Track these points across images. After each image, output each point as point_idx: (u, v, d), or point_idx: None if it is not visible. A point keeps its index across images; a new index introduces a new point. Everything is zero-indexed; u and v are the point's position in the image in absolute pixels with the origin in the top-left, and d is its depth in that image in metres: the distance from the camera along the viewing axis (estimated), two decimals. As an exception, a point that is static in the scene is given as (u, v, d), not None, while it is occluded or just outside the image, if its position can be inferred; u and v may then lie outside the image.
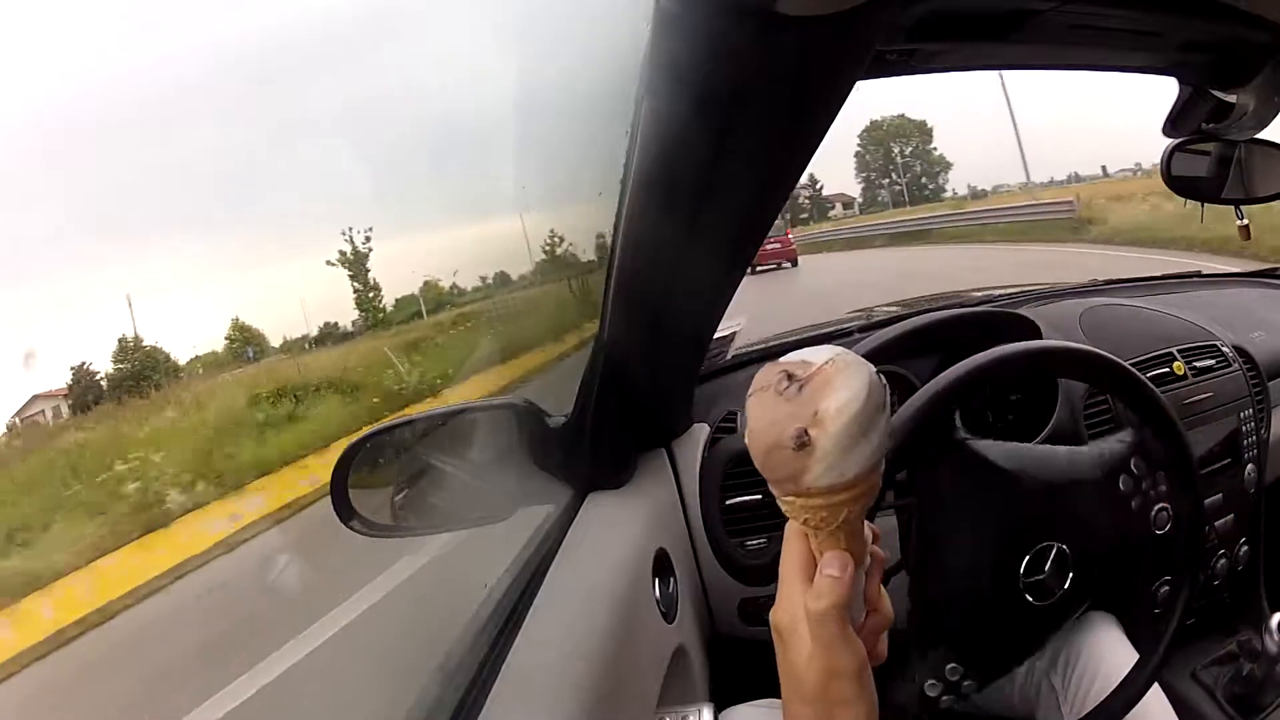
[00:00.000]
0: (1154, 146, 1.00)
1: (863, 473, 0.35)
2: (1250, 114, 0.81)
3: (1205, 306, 1.19)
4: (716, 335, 0.89)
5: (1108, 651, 0.81)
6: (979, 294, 1.37)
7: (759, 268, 15.54)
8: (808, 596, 0.38)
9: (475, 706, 0.54)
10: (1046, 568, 0.71)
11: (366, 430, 0.82)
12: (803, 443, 0.34)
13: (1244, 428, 1.03)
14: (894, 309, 1.30)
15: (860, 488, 0.36)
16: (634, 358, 0.79)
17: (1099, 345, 0.77)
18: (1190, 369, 1.03)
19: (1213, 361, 1.05)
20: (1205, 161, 1.01)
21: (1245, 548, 1.04)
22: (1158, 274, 1.45)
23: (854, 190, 31.12)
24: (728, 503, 0.93)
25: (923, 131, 29.30)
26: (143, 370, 6.87)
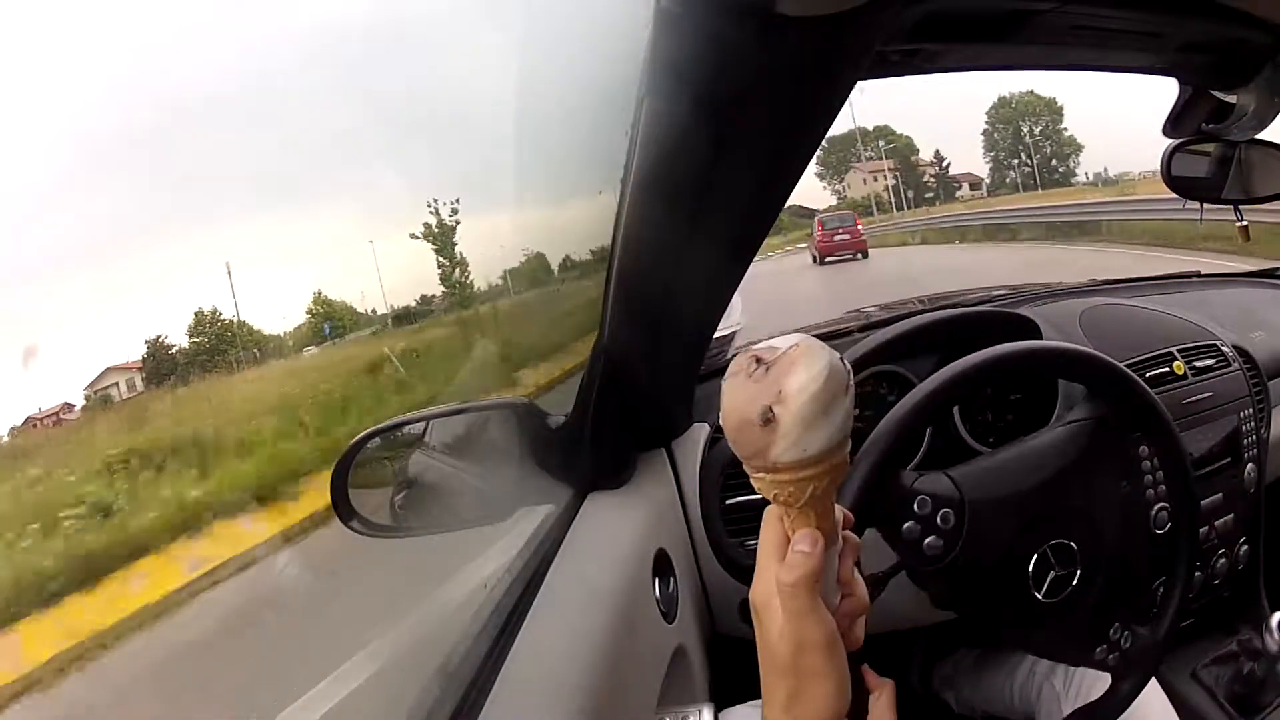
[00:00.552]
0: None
1: (826, 450, 0.38)
2: (1250, 114, 0.81)
3: (1205, 306, 1.19)
4: (716, 335, 0.89)
5: None
6: (979, 294, 1.37)
7: (827, 259, 14.34)
8: (780, 570, 0.41)
9: (475, 707, 0.54)
10: (1054, 566, 0.71)
11: (366, 430, 0.82)
12: (768, 419, 0.37)
13: (1244, 427, 1.03)
14: (893, 309, 1.30)
15: (825, 465, 0.38)
16: (634, 357, 0.79)
17: (1099, 345, 0.77)
18: (1190, 369, 1.03)
19: (1213, 361, 1.05)
20: (1205, 162, 1.01)
21: (1245, 547, 1.04)
22: (1158, 274, 1.45)
23: (981, 170, 29.31)
24: (728, 502, 0.94)
25: (1052, 110, 27.56)
26: (218, 345, 6.83)
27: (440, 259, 7.25)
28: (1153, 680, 0.75)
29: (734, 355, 0.41)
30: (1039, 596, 0.71)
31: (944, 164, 29.48)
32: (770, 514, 0.43)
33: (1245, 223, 1.12)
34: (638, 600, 0.70)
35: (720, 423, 0.40)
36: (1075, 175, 27.10)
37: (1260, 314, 1.23)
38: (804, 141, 0.51)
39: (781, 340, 0.39)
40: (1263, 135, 0.93)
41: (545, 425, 0.82)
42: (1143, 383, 0.74)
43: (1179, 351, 1.04)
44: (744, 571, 0.92)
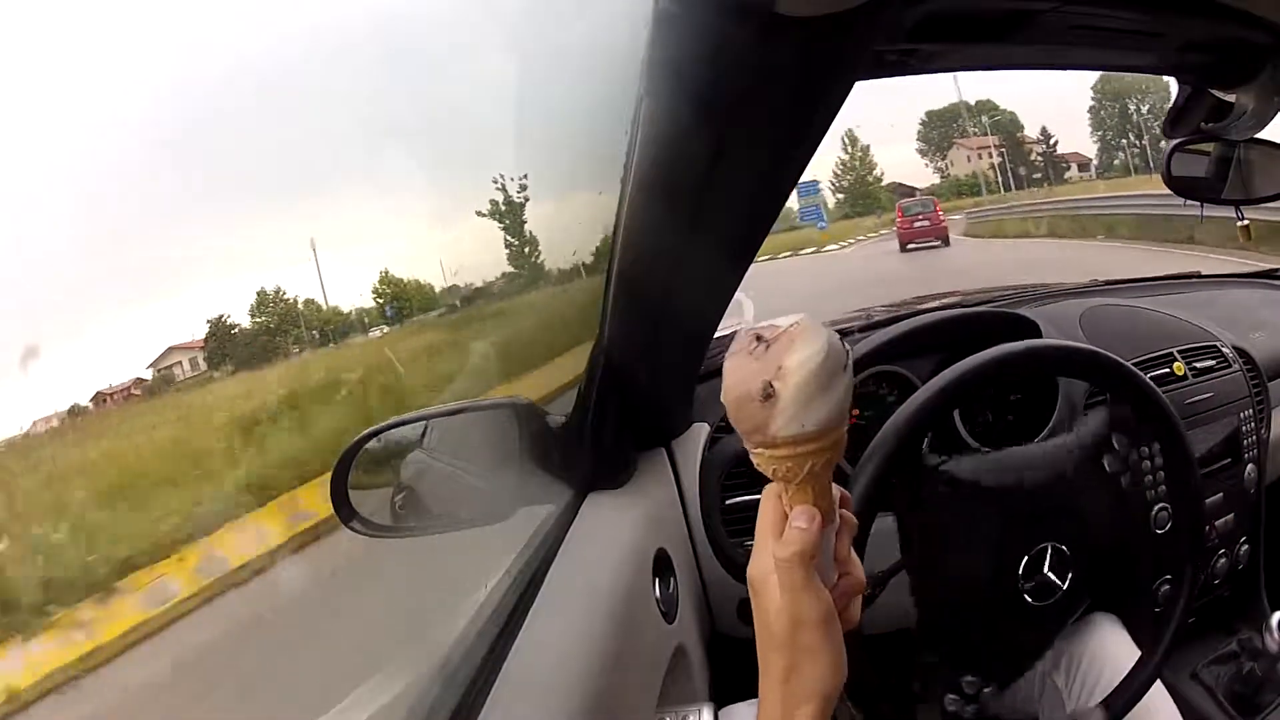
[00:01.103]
0: None
1: (824, 426, 0.39)
2: (1250, 114, 0.81)
3: (1205, 307, 1.19)
4: (717, 335, 0.89)
5: (1111, 651, 0.81)
6: (979, 294, 1.37)
7: (908, 246, 13.36)
8: (776, 546, 0.41)
9: (475, 707, 0.54)
10: (1045, 569, 0.71)
11: (366, 430, 0.82)
12: (767, 394, 0.38)
13: (1244, 428, 1.03)
14: (894, 309, 1.30)
15: (822, 441, 0.39)
16: (634, 357, 0.79)
17: (1099, 345, 0.77)
18: (1190, 369, 1.03)
19: (1213, 362, 1.05)
20: (1205, 162, 1.01)
21: (1245, 547, 1.04)
22: (1158, 274, 1.45)
23: (1088, 150, 27.05)
24: (728, 502, 0.94)
25: (1160, 86, 25.26)
26: (281, 325, 6.89)
27: (509, 237, 6.92)
28: (1157, 681, 0.75)
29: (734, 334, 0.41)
30: (1029, 599, 0.71)
31: (1052, 141, 27.07)
32: (769, 492, 0.43)
33: (1246, 222, 1.12)
34: (638, 600, 0.70)
35: (722, 398, 0.41)
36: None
37: (1260, 314, 1.23)
38: (803, 141, 0.51)
39: (782, 319, 0.40)
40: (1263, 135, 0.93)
41: (545, 425, 0.82)
42: (1149, 381, 0.74)
43: (1179, 352, 1.04)
44: (744, 571, 0.92)
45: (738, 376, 0.39)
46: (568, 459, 0.83)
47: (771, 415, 0.38)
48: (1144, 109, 25.80)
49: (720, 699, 0.72)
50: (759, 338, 0.40)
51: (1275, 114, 0.79)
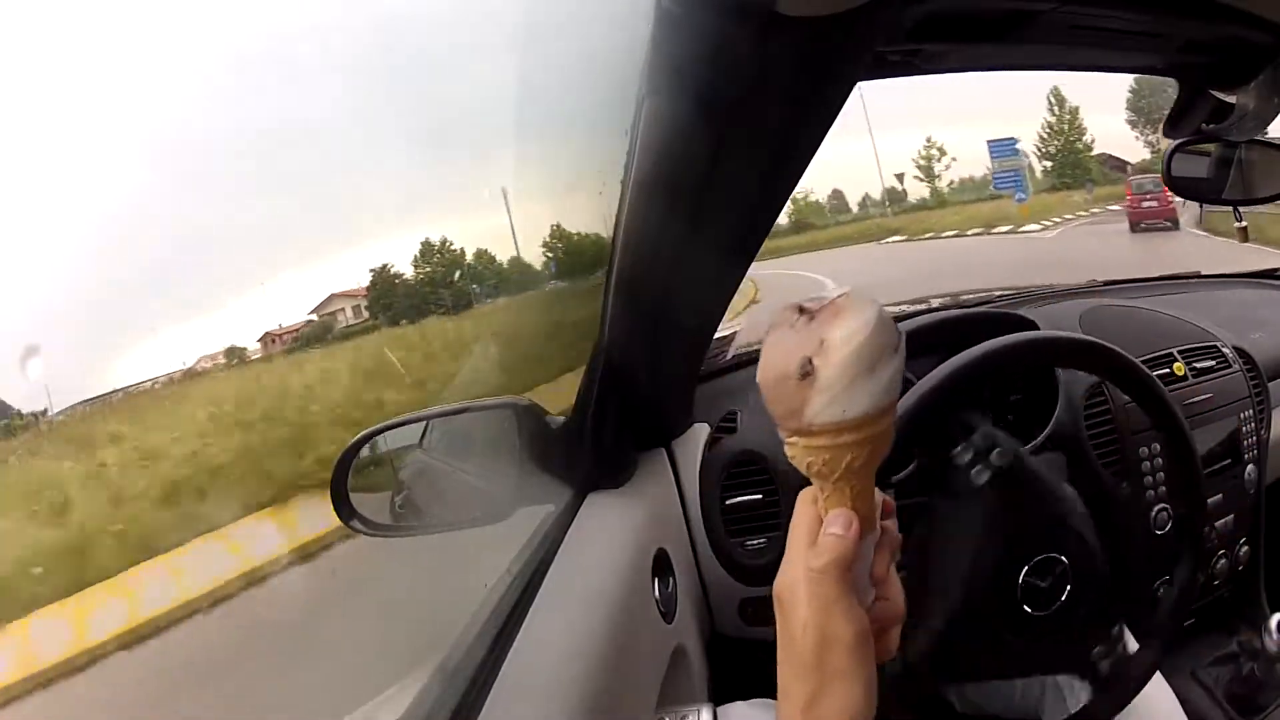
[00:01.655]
0: None
1: (869, 414, 0.34)
2: (1250, 114, 0.81)
3: (1205, 307, 1.19)
4: (717, 335, 0.89)
5: None
6: (980, 294, 1.37)
7: (1140, 226, 12.21)
8: (809, 555, 0.37)
9: (475, 706, 0.54)
10: (1045, 579, 0.71)
11: (366, 430, 0.82)
12: (806, 372, 0.34)
13: (1244, 428, 1.03)
14: (893, 309, 1.30)
15: (864, 432, 0.34)
16: (634, 358, 0.79)
17: None
18: (1190, 370, 1.03)
19: (1213, 362, 1.05)
20: (1205, 162, 1.01)
21: (1245, 548, 1.04)
22: (1158, 274, 1.45)
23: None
24: (728, 502, 0.93)
25: None
26: (446, 274, 7.01)
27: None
28: (1161, 680, 0.74)
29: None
30: (1027, 609, 0.71)
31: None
32: (804, 496, 0.39)
33: (1244, 224, 1.12)
34: (637, 600, 0.70)
35: (758, 378, 0.36)
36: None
37: (1260, 314, 1.23)
38: (804, 141, 0.51)
39: (829, 290, 0.36)
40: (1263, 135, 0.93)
41: (545, 425, 0.82)
42: (1152, 375, 0.74)
43: (1179, 352, 1.04)
44: (744, 571, 0.92)
45: (775, 352, 0.35)
46: (568, 459, 0.83)
47: (809, 397, 0.34)
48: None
49: (719, 699, 0.72)
50: (801, 309, 0.35)
51: (1276, 114, 0.79)
